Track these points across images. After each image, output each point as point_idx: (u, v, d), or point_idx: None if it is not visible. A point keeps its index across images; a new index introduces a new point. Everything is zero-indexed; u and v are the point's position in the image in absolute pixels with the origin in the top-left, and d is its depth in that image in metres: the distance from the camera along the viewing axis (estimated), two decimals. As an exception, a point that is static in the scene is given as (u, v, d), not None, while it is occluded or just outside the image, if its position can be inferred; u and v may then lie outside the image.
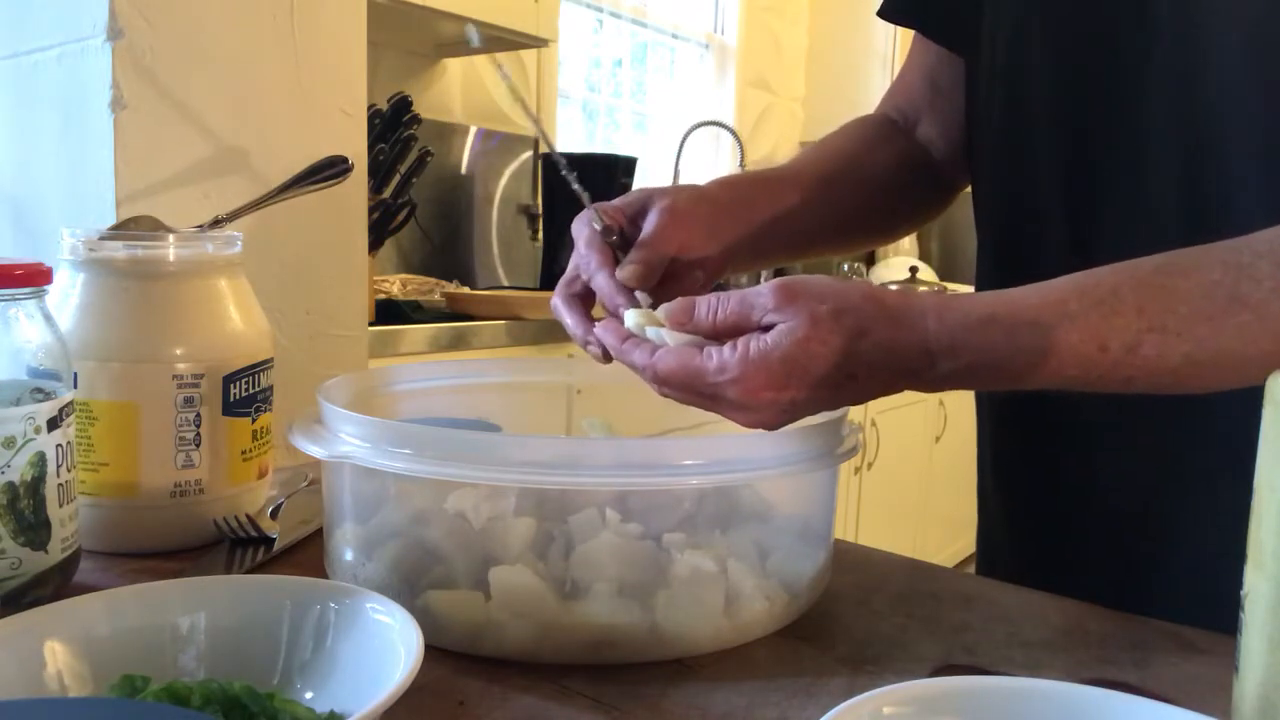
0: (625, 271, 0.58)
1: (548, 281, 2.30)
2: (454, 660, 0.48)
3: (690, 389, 0.49)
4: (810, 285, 0.48)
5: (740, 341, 0.47)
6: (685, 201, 0.63)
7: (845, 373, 0.47)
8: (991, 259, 0.72)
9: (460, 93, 2.44)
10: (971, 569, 0.77)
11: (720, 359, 0.48)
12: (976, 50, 0.73)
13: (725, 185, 0.68)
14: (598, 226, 0.59)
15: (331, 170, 0.75)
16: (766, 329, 0.47)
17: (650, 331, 0.52)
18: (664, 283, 0.60)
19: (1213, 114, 0.56)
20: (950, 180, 0.82)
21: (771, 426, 0.49)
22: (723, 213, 0.65)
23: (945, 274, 3.80)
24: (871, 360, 0.47)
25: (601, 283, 0.59)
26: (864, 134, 0.80)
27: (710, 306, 0.50)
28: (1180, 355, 0.45)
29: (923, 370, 0.48)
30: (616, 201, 0.63)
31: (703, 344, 0.49)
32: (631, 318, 0.53)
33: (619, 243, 0.60)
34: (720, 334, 0.49)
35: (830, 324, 0.47)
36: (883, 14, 0.81)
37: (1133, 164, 0.60)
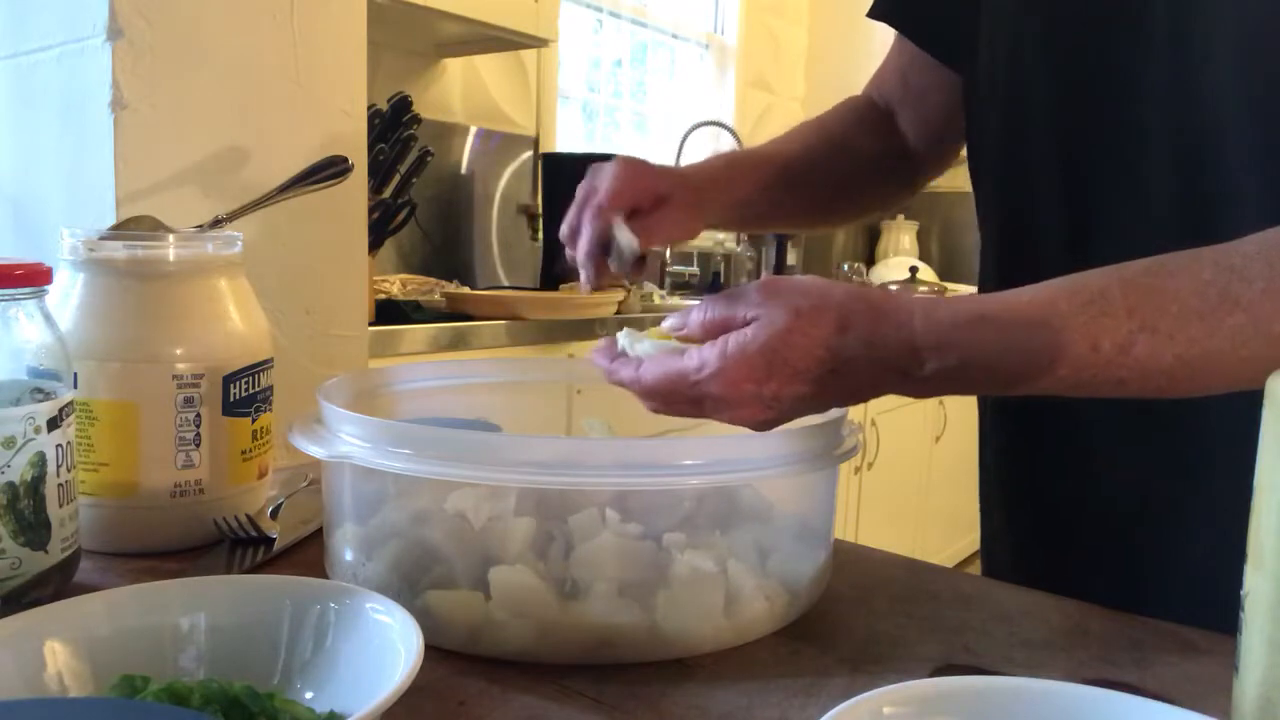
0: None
1: (548, 281, 2.30)
2: (454, 660, 0.48)
3: (676, 394, 0.49)
4: (795, 282, 0.48)
5: (721, 338, 0.48)
6: (703, 196, 0.70)
7: (828, 367, 0.46)
8: (993, 261, 0.72)
9: (460, 93, 2.44)
10: (972, 569, 0.77)
11: (700, 357, 0.48)
12: (958, 57, 0.75)
13: (710, 168, 0.73)
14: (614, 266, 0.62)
15: (331, 170, 0.75)
16: (750, 324, 0.48)
17: (638, 346, 0.52)
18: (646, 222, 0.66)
19: (1208, 119, 0.57)
20: (921, 173, 0.85)
21: (759, 424, 0.49)
22: (708, 192, 0.71)
23: (945, 274, 3.80)
24: (855, 355, 0.46)
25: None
26: (853, 119, 0.83)
27: (700, 309, 0.50)
28: (1172, 356, 0.44)
29: (910, 368, 0.47)
30: (620, 191, 0.64)
31: (686, 350, 0.49)
32: (623, 337, 0.54)
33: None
34: (709, 334, 0.49)
35: (812, 316, 0.46)
36: (872, 14, 0.83)
37: (1129, 169, 0.61)
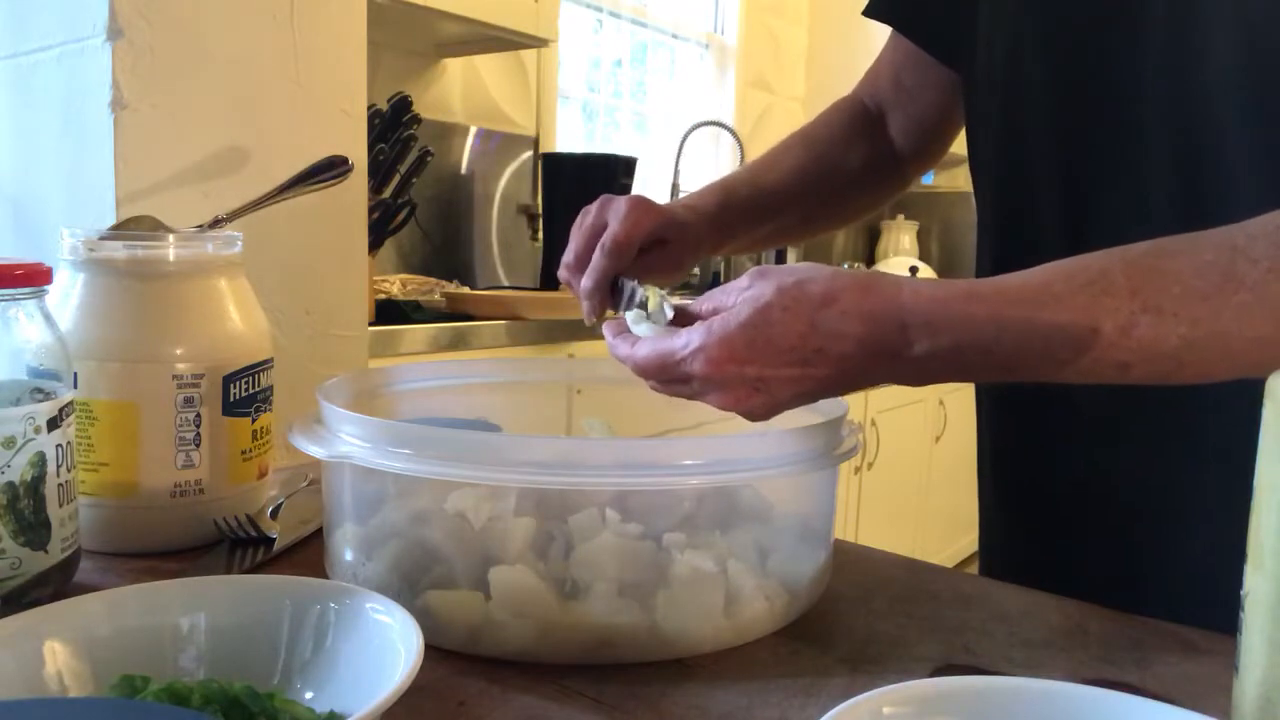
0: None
1: (548, 281, 2.30)
2: (454, 660, 0.48)
3: (665, 373, 0.49)
4: (785, 266, 0.48)
5: (710, 319, 0.47)
6: (700, 243, 0.72)
7: (812, 345, 0.45)
8: (991, 261, 0.72)
9: (460, 93, 2.44)
10: (971, 569, 0.78)
11: (687, 336, 0.47)
12: (957, 56, 0.76)
13: (707, 211, 0.74)
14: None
15: (331, 170, 0.75)
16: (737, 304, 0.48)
17: (639, 328, 0.53)
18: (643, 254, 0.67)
19: (1207, 119, 0.57)
20: (909, 172, 0.87)
21: (749, 410, 0.48)
22: (706, 235, 0.73)
23: (945, 274, 3.80)
24: (840, 330, 0.45)
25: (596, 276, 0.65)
26: (842, 129, 0.84)
27: (700, 299, 0.51)
28: (1177, 337, 0.43)
29: (900, 348, 0.45)
30: (629, 235, 0.65)
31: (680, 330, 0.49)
32: (630, 316, 0.55)
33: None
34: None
35: (794, 291, 0.46)
36: (868, 13, 0.83)
37: (1129, 168, 0.61)
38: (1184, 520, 0.61)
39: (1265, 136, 0.55)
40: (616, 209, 0.66)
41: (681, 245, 0.70)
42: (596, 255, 0.65)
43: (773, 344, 0.45)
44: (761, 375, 0.46)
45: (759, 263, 3.11)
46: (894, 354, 0.46)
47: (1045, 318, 0.44)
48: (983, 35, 0.70)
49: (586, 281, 0.65)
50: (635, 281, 0.62)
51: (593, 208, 0.68)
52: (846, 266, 3.69)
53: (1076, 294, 0.44)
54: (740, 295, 0.48)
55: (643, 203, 0.67)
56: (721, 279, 3.05)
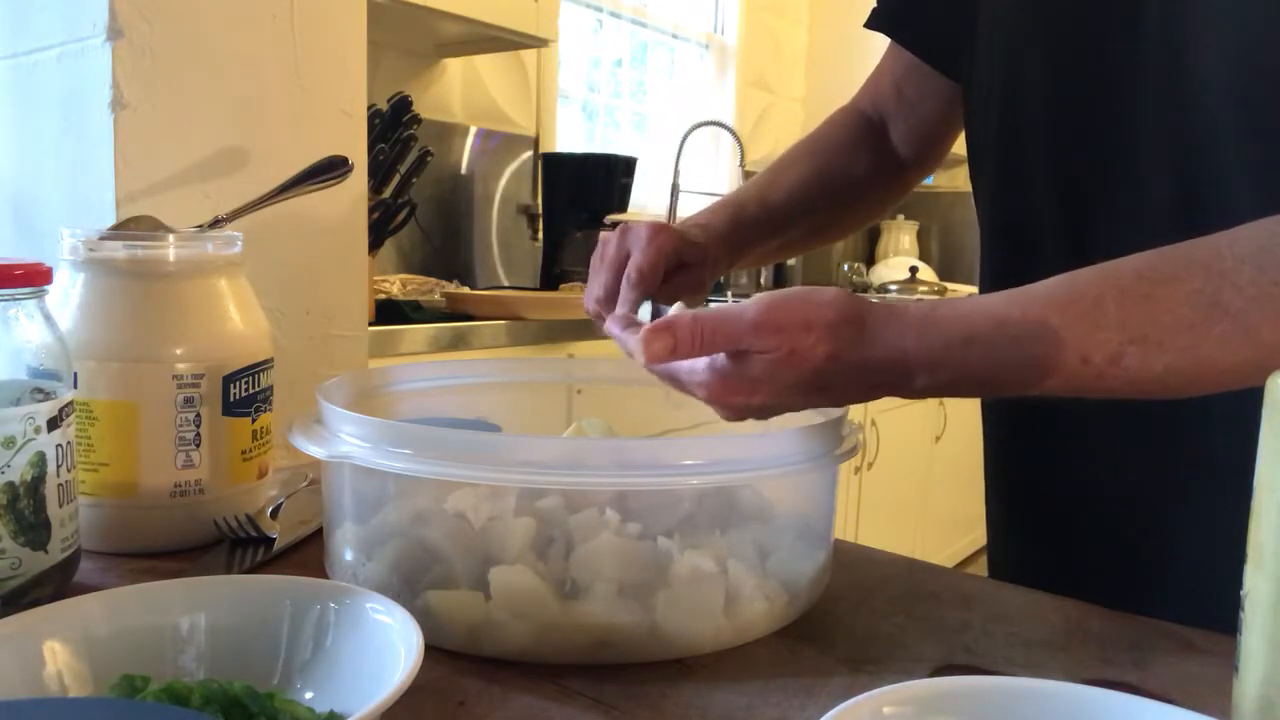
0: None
1: (548, 281, 2.30)
2: (454, 660, 0.48)
3: (670, 380, 0.51)
4: (793, 315, 0.47)
5: (717, 356, 0.48)
6: (716, 263, 0.73)
7: (817, 385, 0.48)
8: (992, 263, 0.73)
9: (460, 93, 2.44)
10: (972, 569, 0.78)
11: (691, 365, 0.49)
12: (957, 66, 0.76)
13: (719, 231, 0.74)
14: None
15: (331, 170, 0.75)
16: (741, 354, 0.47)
17: (644, 313, 0.54)
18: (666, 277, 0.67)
19: (1201, 118, 0.57)
20: (911, 178, 0.88)
21: (750, 419, 0.51)
22: (722, 255, 0.74)
23: (945, 274, 3.80)
24: (846, 376, 0.48)
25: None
26: (846, 139, 0.84)
27: (697, 332, 0.48)
28: (1162, 365, 0.45)
29: (901, 383, 0.48)
30: (654, 263, 0.65)
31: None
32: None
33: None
34: (698, 343, 0.47)
35: (805, 354, 0.47)
36: (870, 25, 0.83)
37: (1125, 170, 0.61)
38: (1185, 520, 0.62)
39: (1260, 136, 0.55)
40: (637, 237, 0.66)
41: (701, 266, 0.71)
42: (624, 287, 0.64)
43: (778, 381, 0.47)
44: (765, 403, 0.49)
45: (759, 271, 3.12)
46: (894, 386, 0.49)
47: (1039, 353, 0.46)
48: (981, 43, 0.71)
49: (618, 318, 0.64)
50: (666, 308, 0.63)
51: (612, 238, 0.67)
52: (846, 268, 3.69)
53: (1072, 326, 0.46)
54: (745, 341, 0.47)
55: (663, 228, 0.67)
56: (722, 279, 3.05)
